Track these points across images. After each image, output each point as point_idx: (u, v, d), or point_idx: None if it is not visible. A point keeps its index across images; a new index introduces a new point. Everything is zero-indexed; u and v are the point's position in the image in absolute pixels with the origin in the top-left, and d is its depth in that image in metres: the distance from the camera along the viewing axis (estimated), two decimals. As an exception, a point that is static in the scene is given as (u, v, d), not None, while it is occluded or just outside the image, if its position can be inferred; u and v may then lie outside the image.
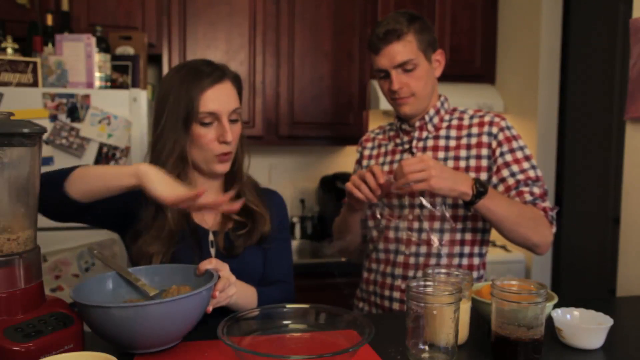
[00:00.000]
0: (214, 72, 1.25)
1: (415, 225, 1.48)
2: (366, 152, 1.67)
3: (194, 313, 0.99)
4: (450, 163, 1.48)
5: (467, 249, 1.49)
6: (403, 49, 1.42)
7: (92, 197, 1.13)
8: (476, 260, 1.51)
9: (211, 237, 1.30)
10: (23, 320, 0.90)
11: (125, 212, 1.24)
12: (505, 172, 1.44)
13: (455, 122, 1.53)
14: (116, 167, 1.18)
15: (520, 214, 1.37)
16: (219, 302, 1.10)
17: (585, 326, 1.07)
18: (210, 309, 1.07)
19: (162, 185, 1.06)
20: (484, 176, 1.47)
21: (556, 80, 2.77)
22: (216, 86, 1.23)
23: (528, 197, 1.42)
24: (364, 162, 1.66)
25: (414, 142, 1.53)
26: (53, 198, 1.12)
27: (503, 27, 2.96)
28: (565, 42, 2.82)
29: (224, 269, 1.12)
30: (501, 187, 1.44)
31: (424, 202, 1.43)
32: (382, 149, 1.62)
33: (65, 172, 1.14)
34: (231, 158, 1.29)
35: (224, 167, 1.28)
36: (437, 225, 1.47)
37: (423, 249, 1.47)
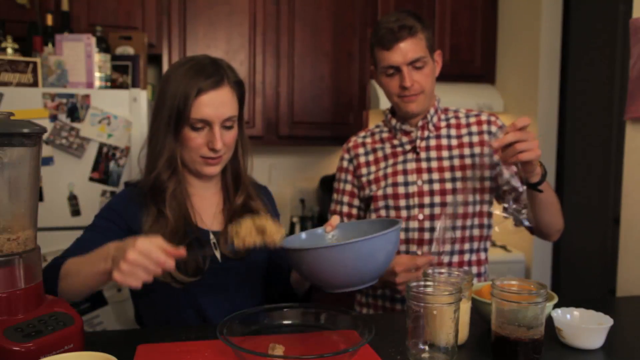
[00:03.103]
0: (214, 75, 1.20)
1: (427, 224, 1.49)
2: (361, 160, 1.60)
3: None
4: (456, 161, 1.50)
5: (475, 245, 1.53)
6: (415, 46, 1.43)
7: (83, 295, 1.09)
8: (482, 255, 1.56)
9: (212, 238, 1.28)
10: (23, 320, 0.89)
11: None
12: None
13: (453, 121, 1.56)
14: (90, 256, 1.06)
15: (557, 199, 1.43)
16: None
17: (585, 326, 1.07)
18: None
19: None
20: (487, 173, 1.50)
21: (556, 80, 2.77)
22: (212, 92, 1.19)
23: None
24: (362, 171, 1.59)
25: (418, 142, 1.53)
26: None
27: (503, 27, 2.96)
28: (565, 42, 2.81)
29: None
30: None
31: (521, 189, 1.35)
32: (379, 153, 1.58)
33: (54, 277, 1.08)
34: (221, 162, 1.26)
35: (211, 170, 1.25)
36: (447, 224, 1.47)
37: (435, 248, 1.47)
